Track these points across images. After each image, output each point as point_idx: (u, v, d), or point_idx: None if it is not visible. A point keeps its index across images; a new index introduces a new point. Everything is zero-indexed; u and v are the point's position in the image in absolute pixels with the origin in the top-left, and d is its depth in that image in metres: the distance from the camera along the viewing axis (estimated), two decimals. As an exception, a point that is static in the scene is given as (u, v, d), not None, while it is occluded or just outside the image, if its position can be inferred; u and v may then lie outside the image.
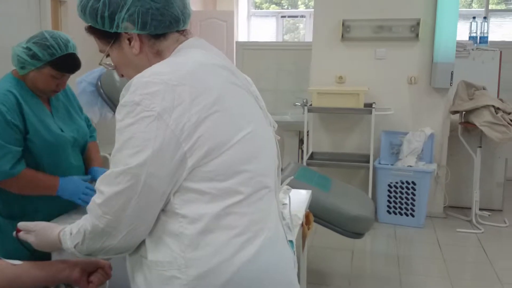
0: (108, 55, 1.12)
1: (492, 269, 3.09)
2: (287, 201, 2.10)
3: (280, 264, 1.10)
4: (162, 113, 0.96)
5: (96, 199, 1.00)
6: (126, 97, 0.99)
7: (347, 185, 3.17)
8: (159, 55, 1.10)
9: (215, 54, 1.14)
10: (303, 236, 1.90)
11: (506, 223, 3.89)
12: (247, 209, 1.04)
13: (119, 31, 1.07)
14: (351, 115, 4.09)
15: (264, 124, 1.18)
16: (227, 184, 1.02)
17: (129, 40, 1.08)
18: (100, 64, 1.17)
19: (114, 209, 0.97)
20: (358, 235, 2.69)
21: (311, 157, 4.07)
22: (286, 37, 8.09)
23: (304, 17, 7.30)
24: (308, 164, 3.86)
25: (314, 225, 2.68)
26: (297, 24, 7.83)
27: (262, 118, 1.18)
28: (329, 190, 2.81)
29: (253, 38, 7.29)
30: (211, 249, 0.99)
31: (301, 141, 4.46)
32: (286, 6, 7.74)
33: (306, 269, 2.95)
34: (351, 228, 2.63)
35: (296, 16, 7.58)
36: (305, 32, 7.30)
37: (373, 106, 3.85)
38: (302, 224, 1.89)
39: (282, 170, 2.93)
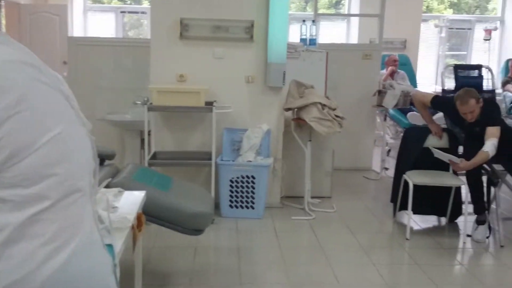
0: None
1: (322, 252, 3.40)
2: (117, 204, 2.04)
3: (94, 270, 1.06)
4: None
5: None
6: None
7: (187, 183, 3.20)
8: None
9: (19, 50, 1.05)
10: (134, 238, 1.86)
11: (334, 209, 4.31)
12: (57, 215, 0.98)
13: None
14: (193, 114, 4.14)
15: (76, 124, 1.12)
16: (33, 190, 0.94)
17: None
18: None
19: None
20: (198, 231, 2.74)
21: (154, 157, 4.02)
22: (131, 33, 7.87)
23: (146, 13, 7.17)
24: (150, 165, 3.81)
25: (156, 226, 2.67)
26: (142, 20, 7.66)
27: (74, 118, 1.12)
28: (169, 190, 2.81)
29: (91, 34, 6.93)
30: (15, 261, 0.92)
31: (143, 141, 4.36)
32: (129, 2, 7.52)
33: (147, 271, 2.91)
34: (190, 225, 2.66)
35: (137, 12, 7.42)
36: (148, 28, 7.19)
37: (213, 105, 3.94)
38: (132, 227, 1.85)
39: (119, 171, 2.85)
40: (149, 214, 2.50)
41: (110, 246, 1.37)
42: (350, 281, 3.00)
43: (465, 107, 3.53)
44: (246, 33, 4.11)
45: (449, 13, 8.91)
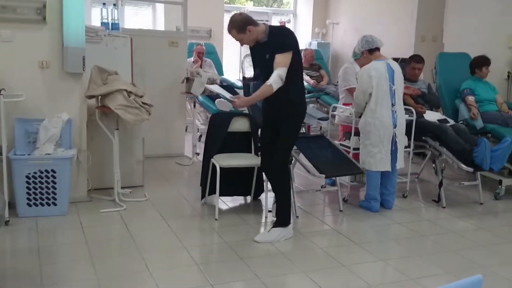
0: None
1: (133, 242, 3.33)
2: None
3: None
4: None
5: None
6: None
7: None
8: None
9: None
10: None
11: (146, 197, 4.26)
12: None
13: None
14: (-25, 103, 3.61)
15: None
16: None
17: None
18: None
19: None
20: (-16, 236, 2.42)
21: None
22: None
23: None
24: None
25: None
26: None
27: None
28: None
29: None
30: None
31: None
32: None
33: None
34: (-27, 230, 2.33)
35: None
36: None
37: (1, 93, 3.50)
38: None
39: None
40: None
41: None
42: (161, 266, 3.00)
43: (232, 35, 3.42)
44: (37, 14, 3.74)
45: (249, 5, 9.49)
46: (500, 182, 4.68)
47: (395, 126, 4.07)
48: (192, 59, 6.91)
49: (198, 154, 5.61)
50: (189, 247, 3.30)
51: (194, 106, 5.88)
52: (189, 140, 5.96)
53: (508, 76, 5.60)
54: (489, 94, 5.14)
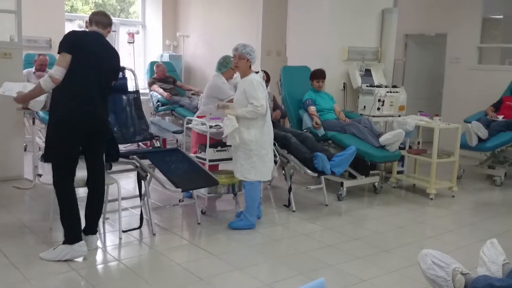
0: None
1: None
2: None
3: None
4: None
5: None
6: None
7: None
8: None
9: None
10: None
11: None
12: None
13: None
14: None
15: None
16: None
17: None
18: None
19: None
20: None
21: None
22: None
23: None
24: None
25: None
26: None
27: None
28: None
29: None
30: None
31: None
32: None
33: None
34: None
35: None
36: None
37: None
38: None
39: None
40: None
41: None
42: (-2, 307, 2.65)
43: None
44: None
45: (95, 15, 9.02)
46: (342, 184, 5.12)
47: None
48: (32, 69, 6.35)
49: (40, 175, 5.12)
50: (33, 279, 2.98)
51: (34, 122, 5.35)
52: (29, 160, 5.41)
53: (344, 86, 6.18)
54: (328, 104, 5.59)
